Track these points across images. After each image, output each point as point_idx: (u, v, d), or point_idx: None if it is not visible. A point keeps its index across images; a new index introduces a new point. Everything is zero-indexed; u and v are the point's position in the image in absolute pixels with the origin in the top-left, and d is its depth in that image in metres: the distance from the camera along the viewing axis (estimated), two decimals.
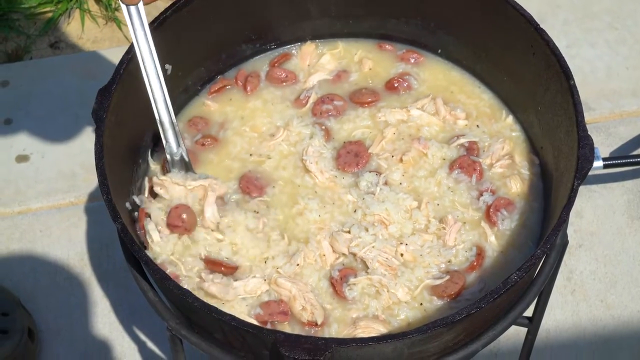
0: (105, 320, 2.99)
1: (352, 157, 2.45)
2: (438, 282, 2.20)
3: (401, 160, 2.42)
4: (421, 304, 2.19)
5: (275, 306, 2.18)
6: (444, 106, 2.53)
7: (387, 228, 2.29)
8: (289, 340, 1.80)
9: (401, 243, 2.25)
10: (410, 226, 2.29)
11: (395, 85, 2.60)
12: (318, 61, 2.69)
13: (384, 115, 2.52)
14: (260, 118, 2.58)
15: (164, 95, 2.26)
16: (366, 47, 2.73)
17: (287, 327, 2.17)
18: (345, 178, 2.42)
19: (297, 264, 2.24)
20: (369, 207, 2.31)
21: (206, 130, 2.56)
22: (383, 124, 2.52)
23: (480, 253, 2.26)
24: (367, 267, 2.23)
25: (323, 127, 2.52)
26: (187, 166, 2.36)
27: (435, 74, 2.64)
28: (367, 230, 2.27)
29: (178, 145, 2.32)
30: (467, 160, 2.40)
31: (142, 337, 2.96)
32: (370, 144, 2.48)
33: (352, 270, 2.23)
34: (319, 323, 2.15)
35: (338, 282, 2.21)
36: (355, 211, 2.33)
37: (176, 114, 2.51)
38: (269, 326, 2.15)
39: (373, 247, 2.24)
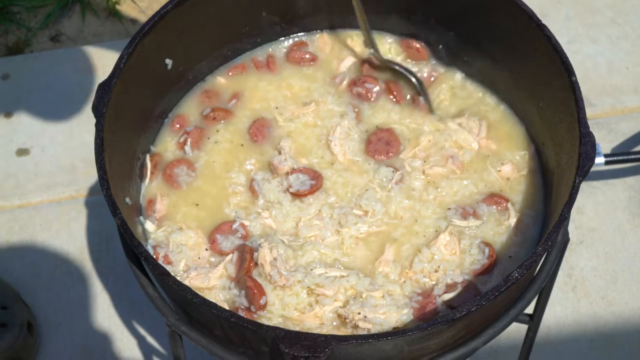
0: (104, 315, 2.99)
1: (383, 144, 2.45)
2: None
3: (424, 172, 2.42)
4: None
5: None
6: (486, 131, 2.51)
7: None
8: (289, 337, 1.80)
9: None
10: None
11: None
12: (341, 48, 2.70)
13: (419, 121, 2.52)
14: (298, 83, 2.62)
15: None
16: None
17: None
18: (370, 164, 2.43)
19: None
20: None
21: (216, 104, 2.60)
22: (418, 129, 2.51)
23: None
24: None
25: (356, 109, 2.52)
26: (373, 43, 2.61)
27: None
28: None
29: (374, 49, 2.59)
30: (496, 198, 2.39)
31: (142, 331, 2.96)
32: (402, 135, 2.49)
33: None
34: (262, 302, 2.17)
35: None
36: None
37: (173, 106, 2.54)
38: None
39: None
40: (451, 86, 2.60)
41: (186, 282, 2.18)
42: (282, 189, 2.37)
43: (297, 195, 2.35)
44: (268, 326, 1.84)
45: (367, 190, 2.36)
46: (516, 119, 2.52)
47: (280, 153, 2.42)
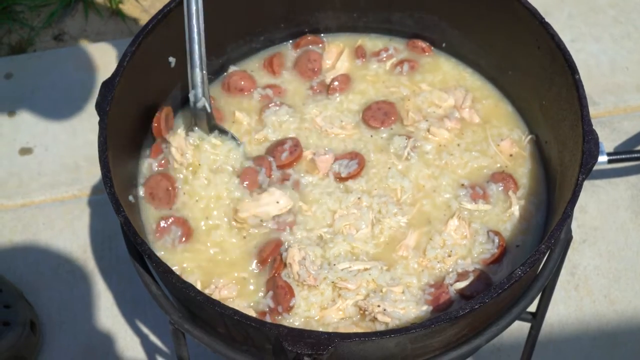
0: (107, 313, 2.99)
1: (382, 114, 2.47)
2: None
3: (429, 131, 2.46)
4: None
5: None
6: (470, 102, 2.54)
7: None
8: (292, 335, 1.80)
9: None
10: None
11: (399, 69, 2.62)
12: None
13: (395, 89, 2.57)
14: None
15: (200, 34, 2.33)
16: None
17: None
18: (373, 134, 2.46)
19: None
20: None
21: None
22: (391, 95, 2.55)
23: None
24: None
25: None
26: (208, 117, 2.41)
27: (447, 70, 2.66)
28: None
29: (203, 93, 2.37)
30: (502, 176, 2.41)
31: (145, 329, 2.96)
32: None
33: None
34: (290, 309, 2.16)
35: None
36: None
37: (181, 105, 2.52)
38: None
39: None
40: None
41: (215, 295, 2.18)
42: (332, 182, 2.37)
43: (348, 178, 2.36)
44: (271, 324, 1.84)
45: (389, 168, 2.38)
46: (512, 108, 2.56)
47: (315, 153, 2.41)
